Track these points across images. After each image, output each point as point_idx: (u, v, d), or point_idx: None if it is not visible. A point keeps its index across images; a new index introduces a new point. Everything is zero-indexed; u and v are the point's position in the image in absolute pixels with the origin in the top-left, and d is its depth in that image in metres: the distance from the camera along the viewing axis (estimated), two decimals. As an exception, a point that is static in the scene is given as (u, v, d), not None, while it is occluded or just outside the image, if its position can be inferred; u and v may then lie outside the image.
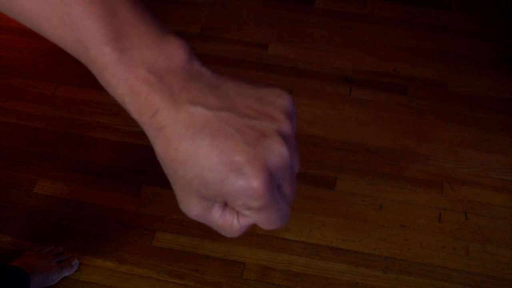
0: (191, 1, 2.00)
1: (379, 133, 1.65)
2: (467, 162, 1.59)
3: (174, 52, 0.30)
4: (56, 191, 1.52)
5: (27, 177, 1.54)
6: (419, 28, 1.93)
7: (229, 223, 0.32)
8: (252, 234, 1.44)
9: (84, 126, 1.65)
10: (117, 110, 1.67)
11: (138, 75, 0.29)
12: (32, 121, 1.66)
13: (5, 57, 1.82)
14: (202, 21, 1.94)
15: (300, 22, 1.95)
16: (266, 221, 0.32)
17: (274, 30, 1.92)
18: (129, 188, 1.52)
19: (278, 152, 0.30)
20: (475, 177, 1.56)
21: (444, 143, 1.63)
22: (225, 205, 0.32)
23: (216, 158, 0.29)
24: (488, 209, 1.50)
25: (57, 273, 1.33)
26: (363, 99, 1.73)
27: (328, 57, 1.84)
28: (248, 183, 0.29)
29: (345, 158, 1.60)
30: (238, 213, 0.32)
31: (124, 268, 1.39)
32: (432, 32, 1.92)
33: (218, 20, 1.95)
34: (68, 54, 0.32)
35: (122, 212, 1.48)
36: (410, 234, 1.46)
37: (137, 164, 1.56)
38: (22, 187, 1.52)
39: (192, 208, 0.32)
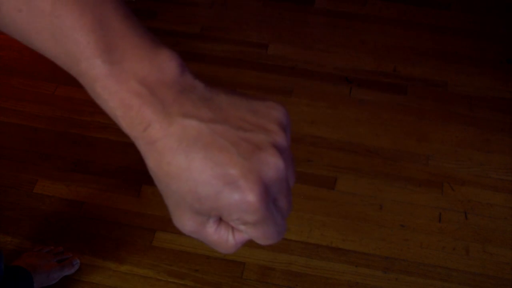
0: (191, 1, 2.00)
1: (379, 133, 1.65)
2: (467, 162, 1.59)
3: (166, 65, 0.30)
4: (56, 191, 1.52)
5: (27, 177, 1.54)
6: (419, 28, 1.93)
7: (224, 238, 0.32)
8: (252, 234, 1.44)
9: (84, 126, 1.65)
10: (117, 110, 1.67)
11: (129, 88, 0.29)
12: (32, 121, 1.66)
13: (5, 57, 1.82)
14: (202, 21, 1.94)
15: (300, 22, 1.95)
16: (262, 236, 0.31)
17: (274, 30, 1.92)
18: (129, 188, 1.52)
19: (273, 164, 0.29)
20: (475, 177, 1.56)
21: (444, 143, 1.63)
22: (219, 220, 0.31)
23: (210, 172, 0.28)
24: (488, 209, 1.50)
25: (58, 272, 1.33)
26: (363, 99, 1.73)
27: (328, 57, 1.84)
28: (243, 196, 0.28)
29: (345, 158, 1.60)
30: (233, 228, 0.32)
31: (124, 268, 1.39)
32: (432, 32, 1.92)
33: (218, 20, 1.95)
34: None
35: (122, 212, 1.48)
36: (410, 234, 1.46)
37: (137, 164, 1.56)
38: (22, 187, 1.52)
39: (186, 223, 0.31)
